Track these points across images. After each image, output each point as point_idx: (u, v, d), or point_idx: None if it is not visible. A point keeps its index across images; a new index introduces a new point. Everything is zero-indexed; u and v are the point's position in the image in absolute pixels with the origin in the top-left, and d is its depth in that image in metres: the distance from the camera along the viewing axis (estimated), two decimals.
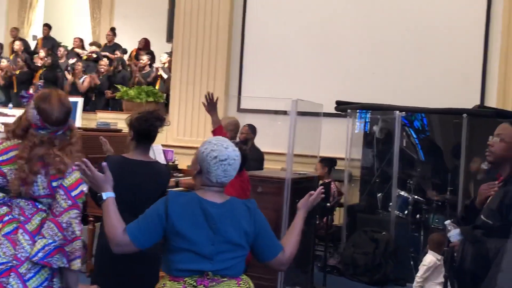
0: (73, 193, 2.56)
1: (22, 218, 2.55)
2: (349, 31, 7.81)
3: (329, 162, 6.75)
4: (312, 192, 2.72)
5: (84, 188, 2.60)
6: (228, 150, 2.38)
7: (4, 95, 10.68)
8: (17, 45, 11.41)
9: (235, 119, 6.08)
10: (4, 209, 2.56)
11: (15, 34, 12.01)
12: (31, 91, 9.08)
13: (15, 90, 10.59)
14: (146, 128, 3.31)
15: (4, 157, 2.55)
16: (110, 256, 2.62)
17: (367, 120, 7.29)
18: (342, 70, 7.79)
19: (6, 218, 2.55)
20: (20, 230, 2.54)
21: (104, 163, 2.56)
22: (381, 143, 7.00)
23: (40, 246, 2.50)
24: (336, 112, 7.19)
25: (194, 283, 2.30)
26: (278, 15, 8.22)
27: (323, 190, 2.75)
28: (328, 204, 6.06)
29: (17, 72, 10.69)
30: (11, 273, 2.49)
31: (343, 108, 7.07)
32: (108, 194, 2.43)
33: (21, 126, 2.59)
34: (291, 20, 8.12)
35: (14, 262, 2.50)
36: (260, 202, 4.68)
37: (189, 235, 2.29)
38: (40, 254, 2.50)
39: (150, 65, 9.98)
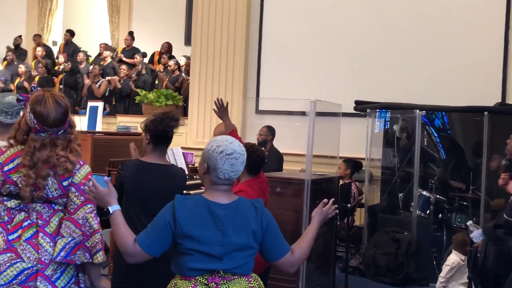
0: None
1: (40, 221, 2.57)
2: (367, 30, 7.76)
3: (353, 164, 6.71)
4: (325, 200, 2.71)
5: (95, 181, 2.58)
6: (233, 145, 2.40)
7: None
8: (38, 50, 11.55)
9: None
10: (22, 215, 2.57)
11: (38, 41, 12.16)
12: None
13: None
14: (162, 129, 3.31)
15: (11, 165, 2.55)
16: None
17: (387, 120, 7.24)
18: (360, 69, 7.75)
19: (25, 223, 2.57)
20: (41, 234, 2.55)
21: (106, 178, 2.59)
22: (401, 143, 6.95)
23: (61, 245, 2.53)
24: (355, 112, 7.15)
25: (206, 281, 2.32)
26: (295, 16, 8.20)
27: (336, 206, 2.74)
28: (349, 205, 6.02)
29: (37, 77, 10.83)
30: (38, 277, 2.51)
31: (362, 108, 7.03)
32: (114, 208, 2.46)
33: (21, 131, 2.57)
34: (309, 20, 8.10)
35: (39, 266, 2.52)
36: (280, 203, 4.72)
37: (198, 237, 2.31)
38: (62, 254, 2.52)
39: (178, 69, 10.02)
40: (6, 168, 2.55)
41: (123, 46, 11.74)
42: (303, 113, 5.62)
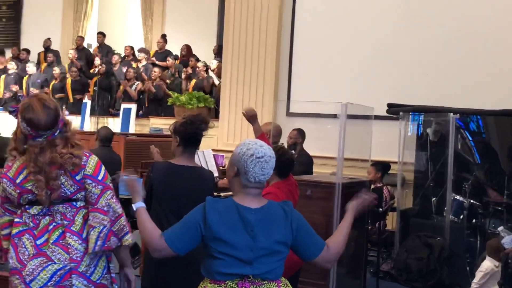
0: (99, 177, 2.65)
1: (65, 222, 2.62)
2: (400, 32, 7.68)
3: (382, 167, 6.64)
4: (359, 194, 2.70)
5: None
6: (263, 148, 2.39)
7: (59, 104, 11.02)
8: (71, 53, 11.75)
9: (275, 125, 6.08)
10: (47, 218, 2.62)
11: (80, 42, 12.37)
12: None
13: (70, 100, 10.92)
14: (192, 132, 3.34)
15: (21, 176, 2.60)
16: (156, 259, 2.67)
17: (420, 123, 7.14)
18: (393, 72, 7.67)
19: (51, 226, 2.61)
20: (68, 234, 2.60)
21: (135, 177, 2.65)
22: (434, 146, 6.85)
23: (95, 236, 2.58)
24: (387, 115, 7.08)
25: (235, 286, 2.32)
26: (327, 18, 8.17)
27: (376, 196, 2.71)
28: (381, 209, 5.97)
29: (69, 80, 11.01)
30: (72, 275, 2.57)
31: (395, 111, 6.95)
32: (138, 205, 2.52)
33: (19, 141, 2.62)
34: (340, 22, 8.06)
35: (71, 264, 2.57)
36: (310, 207, 4.70)
37: (228, 241, 2.31)
38: (99, 243, 2.59)
39: (206, 71, 10.08)
40: (18, 181, 2.60)
41: (156, 48, 11.88)
42: (334, 116, 5.60)
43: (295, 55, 8.40)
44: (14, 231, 2.63)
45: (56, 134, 2.62)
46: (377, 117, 6.39)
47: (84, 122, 8.17)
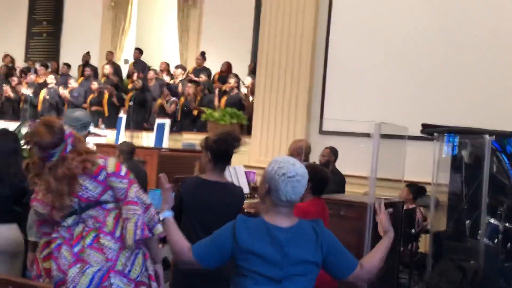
0: (122, 173, 2.73)
1: (97, 225, 2.69)
2: (435, 52, 7.62)
3: (416, 189, 6.56)
4: (390, 210, 2.68)
5: None
6: (295, 167, 2.38)
7: (96, 117, 11.23)
8: (106, 69, 11.98)
9: (304, 142, 6.05)
10: (80, 226, 2.70)
11: (110, 58, 12.64)
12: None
13: (106, 114, 11.11)
14: (224, 149, 3.37)
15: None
16: (184, 272, 2.69)
17: (455, 144, 7.02)
18: (429, 92, 7.59)
19: (84, 232, 2.69)
20: (101, 235, 2.67)
21: (168, 185, 2.68)
22: (469, 168, 6.72)
23: (132, 226, 2.64)
24: (422, 135, 7.00)
25: None
26: (361, 36, 8.16)
27: (390, 211, 2.70)
28: (413, 231, 5.88)
29: (106, 95, 11.21)
30: (110, 274, 2.62)
31: (430, 132, 6.86)
32: (166, 214, 2.54)
33: (37, 166, 2.73)
34: (375, 41, 8.04)
35: (108, 264, 2.63)
36: (342, 226, 4.66)
37: (257, 260, 2.30)
38: (138, 232, 2.64)
39: (238, 88, 10.18)
40: (46, 200, 2.70)
41: (191, 65, 12.03)
42: (367, 135, 5.56)
43: (329, 73, 8.39)
44: (53, 246, 2.71)
45: (68, 150, 2.71)
46: (411, 137, 6.33)
47: (119, 136, 8.30)
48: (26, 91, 11.84)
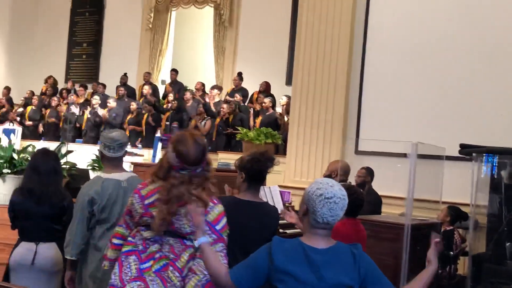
0: (217, 227, 2.70)
1: (172, 255, 2.68)
2: (474, 70, 7.51)
3: (456, 212, 6.44)
4: (437, 240, 2.63)
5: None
6: (334, 189, 2.37)
7: (134, 136, 11.40)
8: (146, 89, 12.19)
9: (343, 163, 6.01)
10: (156, 246, 2.71)
11: (148, 78, 12.88)
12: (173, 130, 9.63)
13: (143, 133, 11.28)
14: (259, 169, 3.39)
15: (151, 199, 2.72)
16: None
17: (494, 164, 6.90)
18: (466, 111, 7.48)
19: (157, 255, 2.70)
20: (170, 268, 2.67)
21: (202, 210, 2.65)
22: (509, 189, 6.59)
23: (194, 283, 2.63)
24: (460, 155, 6.89)
25: None
26: (397, 56, 8.11)
27: (438, 240, 2.64)
28: (451, 253, 5.77)
29: (146, 115, 11.40)
30: None
31: (468, 152, 6.76)
32: (202, 240, 2.50)
33: (163, 168, 2.72)
34: (412, 60, 7.97)
35: None
36: (378, 248, 4.61)
37: (292, 281, 2.28)
38: None
39: (273, 107, 10.23)
40: (146, 202, 2.72)
41: (227, 85, 12.15)
42: (404, 155, 5.50)
43: (365, 93, 8.34)
44: (125, 249, 2.74)
45: (198, 171, 2.72)
46: (448, 158, 6.24)
47: (156, 156, 8.39)
48: (75, 110, 12.11)
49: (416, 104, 7.85)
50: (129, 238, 2.75)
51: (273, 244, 2.37)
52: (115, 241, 2.85)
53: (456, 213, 6.42)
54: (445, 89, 7.69)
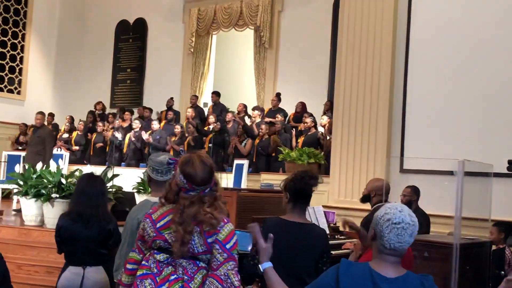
0: (228, 246, 2.71)
1: (186, 277, 2.71)
2: None
3: (506, 227, 6.25)
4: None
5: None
6: (402, 214, 2.29)
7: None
8: (189, 112, 12.36)
9: (382, 181, 5.91)
10: (170, 268, 2.75)
11: (194, 101, 13.08)
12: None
13: None
14: (302, 187, 3.37)
15: (162, 222, 2.77)
16: None
17: None
18: None
19: (172, 277, 2.73)
20: None
21: (271, 235, 2.68)
22: None
23: None
24: (508, 172, 6.70)
25: None
26: (441, 72, 7.99)
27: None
28: (503, 272, 5.58)
29: (190, 138, 11.54)
30: None
31: None
32: (264, 266, 2.52)
33: (172, 191, 2.78)
34: (454, 76, 7.84)
35: None
36: (426, 268, 4.50)
37: None
38: None
39: (315, 127, 10.22)
40: (158, 225, 2.77)
41: (268, 106, 12.21)
42: (450, 173, 5.39)
43: (408, 110, 8.23)
44: (139, 272, 2.78)
45: (206, 191, 2.77)
46: (496, 175, 6.08)
47: None
48: (118, 135, 12.36)
49: (461, 120, 7.69)
50: (143, 262, 2.80)
51: (340, 267, 2.32)
52: (129, 266, 2.89)
53: (506, 228, 6.23)
54: (490, 104, 7.53)
